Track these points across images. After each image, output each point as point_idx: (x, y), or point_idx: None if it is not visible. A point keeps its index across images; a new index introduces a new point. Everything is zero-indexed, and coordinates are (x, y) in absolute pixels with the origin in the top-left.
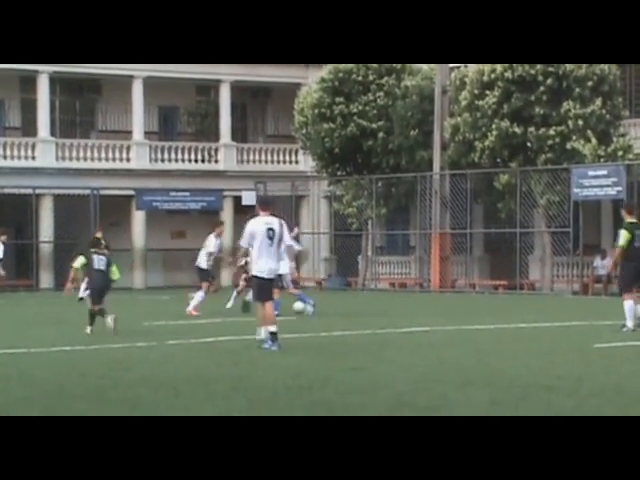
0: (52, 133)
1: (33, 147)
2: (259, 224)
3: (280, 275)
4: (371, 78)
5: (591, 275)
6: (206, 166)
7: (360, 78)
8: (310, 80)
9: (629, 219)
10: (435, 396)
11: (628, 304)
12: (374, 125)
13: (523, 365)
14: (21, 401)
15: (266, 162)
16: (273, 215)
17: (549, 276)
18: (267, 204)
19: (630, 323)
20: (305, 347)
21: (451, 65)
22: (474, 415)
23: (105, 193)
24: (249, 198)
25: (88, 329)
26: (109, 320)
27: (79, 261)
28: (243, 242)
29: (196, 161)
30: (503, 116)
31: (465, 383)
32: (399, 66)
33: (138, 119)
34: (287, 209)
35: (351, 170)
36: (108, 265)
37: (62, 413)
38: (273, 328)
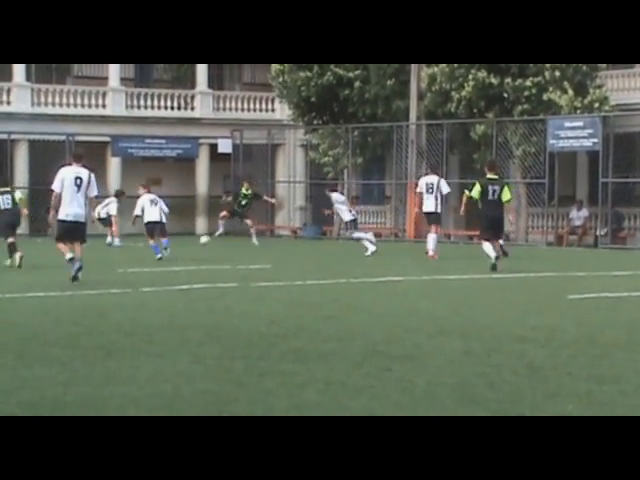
0: (27, 78)
1: (8, 92)
2: (68, 172)
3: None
4: None
5: (567, 226)
6: (182, 113)
7: None
8: None
9: (489, 175)
10: (409, 345)
11: (485, 245)
12: (351, 74)
13: (497, 315)
14: None
15: (242, 110)
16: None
17: (524, 227)
18: (79, 157)
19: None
20: (280, 295)
21: None
22: (447, 364)
23: (80, 139)
24: (225, 146)
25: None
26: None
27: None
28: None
29: (172, 108)
30: (480, 67)
31: (439, 332)
32: None
33: (114, 65)
34: (263, 157)
35: (327, 119)
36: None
37: (36, 359)
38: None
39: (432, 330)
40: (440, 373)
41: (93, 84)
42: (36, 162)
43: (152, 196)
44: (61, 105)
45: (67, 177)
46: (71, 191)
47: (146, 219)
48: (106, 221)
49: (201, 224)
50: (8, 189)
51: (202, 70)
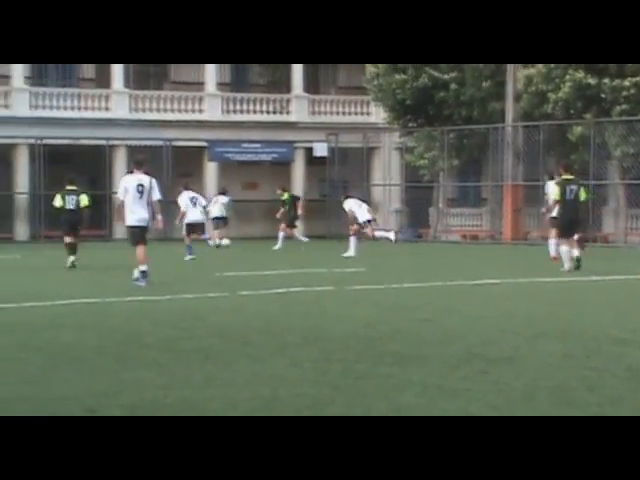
0: (126, 85)
1: (107, 98)
2: (131, 180)
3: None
4: None
5: None
6: (278, 117)
7: None
8: None
9: (565, 175)
10: (506, 348)
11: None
12: (446, 76)
13: (596, 318)
14: (95, 349)
15: (338, 114)
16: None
17: (623, 229)
18: (140, 164)
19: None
20: (376, 299)
21: None
22: (546, 367)
23: (178, 144)
24: (321, 149)
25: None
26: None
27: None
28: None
29: (268, 112)
30: (577, 67)
31: (537, 335)
32: None
33: (211, 71)
34: (359, 161)
35: (423, 122)
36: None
37: (135, 361)
38: (144, 267)
39: (530, 333)
40: (538, 376)
41: (190, 89)
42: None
43: (192, 194)
44: (159, 111)
45: (130, 185)
46: (134, 198)
47: (189, 219)
48: (220, 221)
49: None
50: (75, 189)
51: (297, 74)
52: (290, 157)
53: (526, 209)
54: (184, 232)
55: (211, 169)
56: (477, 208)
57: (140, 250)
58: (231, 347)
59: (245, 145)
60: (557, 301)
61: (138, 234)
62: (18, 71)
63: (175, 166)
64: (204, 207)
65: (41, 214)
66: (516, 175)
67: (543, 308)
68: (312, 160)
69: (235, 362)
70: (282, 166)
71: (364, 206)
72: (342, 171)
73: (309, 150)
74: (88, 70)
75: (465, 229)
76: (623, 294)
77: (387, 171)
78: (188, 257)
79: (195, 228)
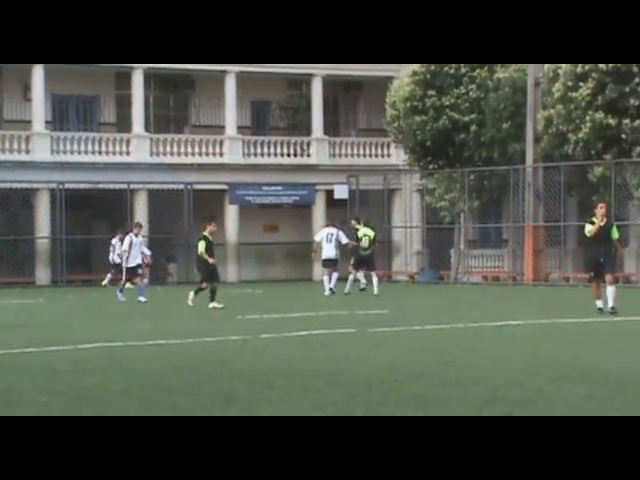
0: (146, 129)
1: (128, 142)
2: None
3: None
4: (463, 71)
5: None
6: (298, 160)
7: (452, 71)
8: (402, 73)
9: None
10: (530, 390)
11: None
12: (466, 118)
13: (620, 359)
14: (119, 393)
15: (358, 156)
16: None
17: None
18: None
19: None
20: (399, 341)
21: None
22: (570, 409)
23: (198, 187)
24: (341, 192)
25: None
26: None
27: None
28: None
29: (288, 155)
30: (597, 108)
31: (560, 377)
32: None
33: (231, 114)
34: (379, 203)
35: (443, 163)
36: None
37: (159, 406)
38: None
39: (553, 374)
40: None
41: (210, 133)
42: (155, 211)
43: (140, 238)
44: (179, 154)
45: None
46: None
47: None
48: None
49: (318, 270)
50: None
51: (317, 117)
52: (311, 199)
53: (547, 250)
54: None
55: (232, 212)
56: (498, 249)
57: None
58: (254, 390)
59: (266, 188)
60: (580, 342)
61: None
62: (39, 116)
63: (196, 209)
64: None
65: (62, 258)
66: (537, 216)
67: (566, 349)
68: (333, 202)
69: (258, 405)
70: (303, 208)
71: (335, 239)
72: (363, 213)
73: (330, 192)
74: (109, 114)
75: (486, 270)
76: None
77: (408, 213)
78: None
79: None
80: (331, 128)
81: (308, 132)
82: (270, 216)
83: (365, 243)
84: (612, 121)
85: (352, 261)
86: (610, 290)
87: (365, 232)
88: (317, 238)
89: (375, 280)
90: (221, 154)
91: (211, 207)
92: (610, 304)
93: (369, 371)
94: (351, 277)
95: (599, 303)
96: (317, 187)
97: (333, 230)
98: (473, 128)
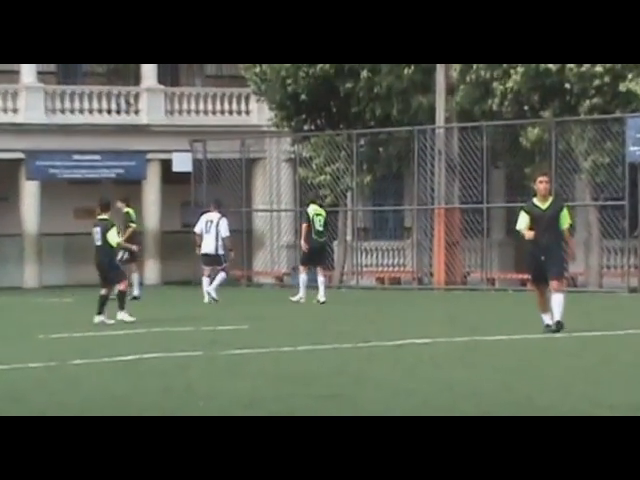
0: None
1: None
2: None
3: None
4: None
5: None
6: (123, 119)
7: None
8: None
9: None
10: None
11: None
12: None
13: (560, 390)
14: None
15: (205, 113)
16: None
17: (597, 267)
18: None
19: None
20: (261, 367)
21: None
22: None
23: None
24: (182, 162)
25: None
26: None
27: None
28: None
29: (109, 112)
30: None
31: (483, 414)
32: None
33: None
34: (236, 177)
35: (323, 123)
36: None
37: None
38: None
39: (472, 412)
40: None
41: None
42: None
43: None
44: None
45: None
46: None
47: None
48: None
49: (152, 271)
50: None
51: None
52: (140, 173)
53: (464, 242)
54: None
55: (30, 191)
56: (398, 241)
57: None
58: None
59: (77, 157)
60: (508, 368)
61: None
62: None
63: None
64: None
65: None
66: (450, 195)
67: (489, 377)
68: (171, 177)
69: None
70: (130, 185)
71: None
72: (212, 191)
73: (167, 163)
74: None
75: (382, 270)
76: (597, 357)
77: (275, 191)
78: None
79: None
80: (168, 75)
81: (137, 80)
82: (84, 196)
83: (320, 226)
84: (552, 65)
85: (300, 254)
86: (556, 299)
87: (316, 210)
88: (197, 229)
89: (321, 280)
90: (14, 110)
91: (2, 183)
92: (556, 317)
93: (220, 409)
94: (302, 277)
95: (546, 318)
96: (149, 156)
97: (213, 216)
98: (364, 74)
